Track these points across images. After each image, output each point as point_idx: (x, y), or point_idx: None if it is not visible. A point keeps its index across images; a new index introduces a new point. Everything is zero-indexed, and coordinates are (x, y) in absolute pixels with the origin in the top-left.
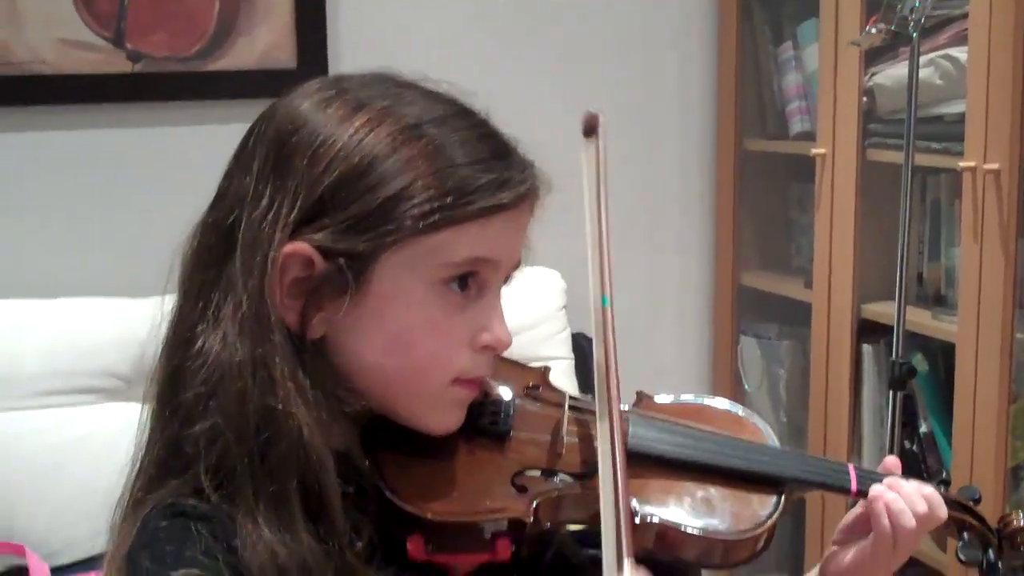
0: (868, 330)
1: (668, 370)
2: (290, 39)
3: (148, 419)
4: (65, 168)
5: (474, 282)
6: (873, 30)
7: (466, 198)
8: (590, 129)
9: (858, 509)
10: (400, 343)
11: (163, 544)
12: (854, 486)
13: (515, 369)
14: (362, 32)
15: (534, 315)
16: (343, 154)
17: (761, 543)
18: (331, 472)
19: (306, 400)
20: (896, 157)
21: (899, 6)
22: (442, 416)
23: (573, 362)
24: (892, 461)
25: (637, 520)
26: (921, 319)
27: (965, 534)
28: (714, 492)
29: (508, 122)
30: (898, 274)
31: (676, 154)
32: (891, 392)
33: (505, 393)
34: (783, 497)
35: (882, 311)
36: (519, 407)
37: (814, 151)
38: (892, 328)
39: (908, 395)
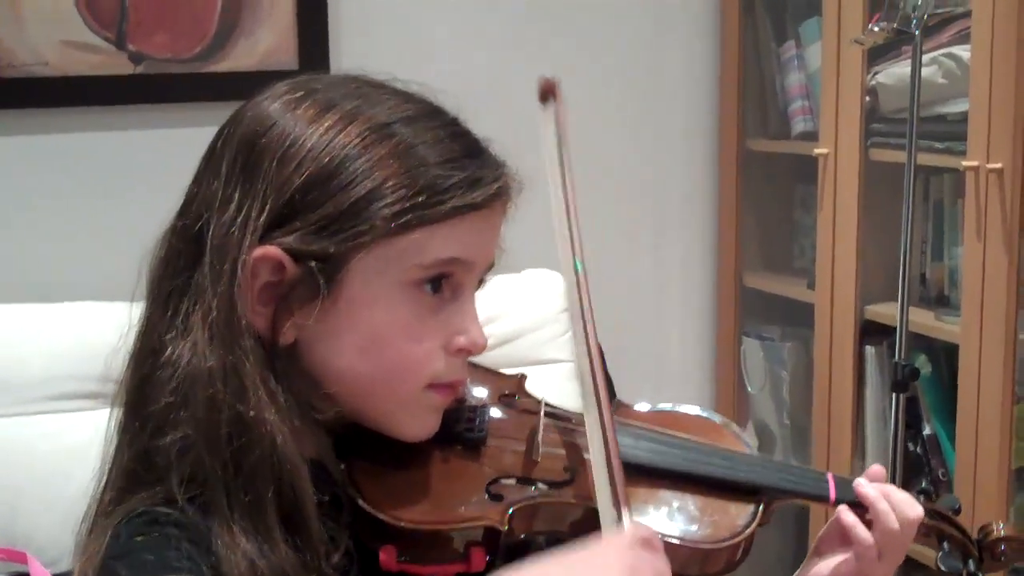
0: (871, 331)
1: (670, 371)
2: (292, 41)
3: (115, 430)
4: (67, 171)
5: (447, 284)
6: (876, 28)
7: (437, 197)
8: (546, 93)
9: (833, 521)
10: (373, 347)
11: (140, 553)
12: (832, 495)
13: (490, 376)
14: (364, 33)
15: (535, 318)
16: (312, 155)
17: (739, 552)
18: (306, 480)
19: (279, 407)
20: (899, 157)
21: (902, 4)
22: (417, 422)
23: (575, 365)
24: (876, 470)
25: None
26: (924, 320)
27: (945, 544)
28: (691, 500)
29: (507, 123)
30: (901, 275)
31: (678, 154)
32: (894, 394)
33: (480, 400)
34: (761, 506)
35: (885, 312)
36: (495, 414)
37: (817, 151)
38: (895, 329)
39: (911, 397)
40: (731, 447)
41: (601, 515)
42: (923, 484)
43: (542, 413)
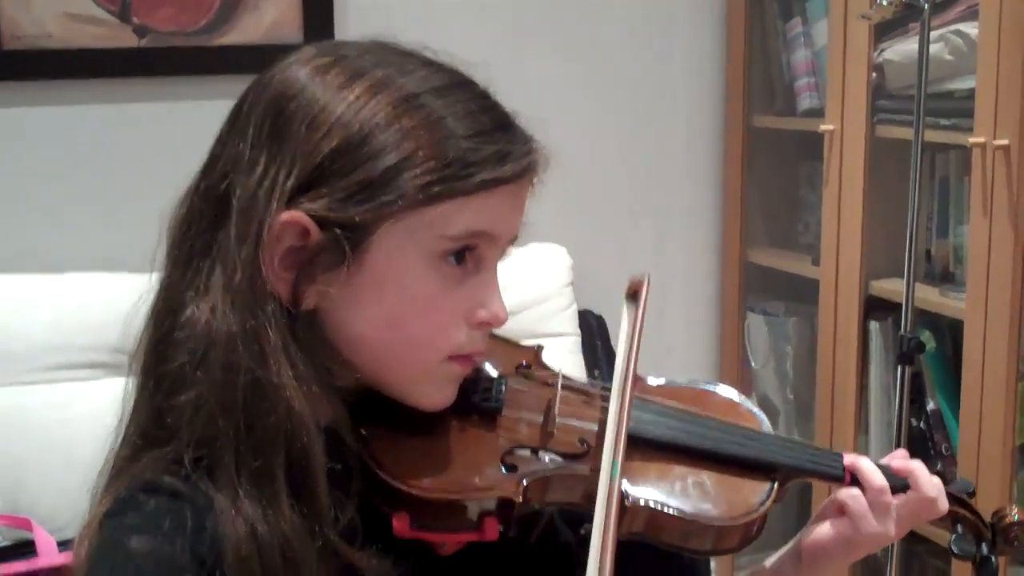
0: (876, 307)
1: (675, 347)
2: (297, 13)
3: (133, 388)
4: (71, 143)
5: (471, 256)
6: (884, 2)
7: (467, 170)
8: (634, 293)
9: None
10: (395, 317)
11: (126, 515)
12: (847, 476)
13: (508, 347)
14: (369, 6)
15: (540, 291)
16: (342, 122)
17: (753, 529)
18: (319, 447)
19: (297, 373)
20: (905, 133)
21: None
22: (434, 392)
23: (579, 339)
24: (900, 454)
25: (628, 503)
26: (929, 296)
27: (959, 527)
28: (706, 477)
29: (516, 95)
30: (907, 250)
31: (684, 130)
32: (899, 367)
33: (497, 371)
34: (776, 484)
35: (890, 288)
36: (511, 385)
37: (823, 127)
38: (899, 305)
39: (915, 372)
40: (747, 424)
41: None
42: (937, 466)
43: (559, 385)
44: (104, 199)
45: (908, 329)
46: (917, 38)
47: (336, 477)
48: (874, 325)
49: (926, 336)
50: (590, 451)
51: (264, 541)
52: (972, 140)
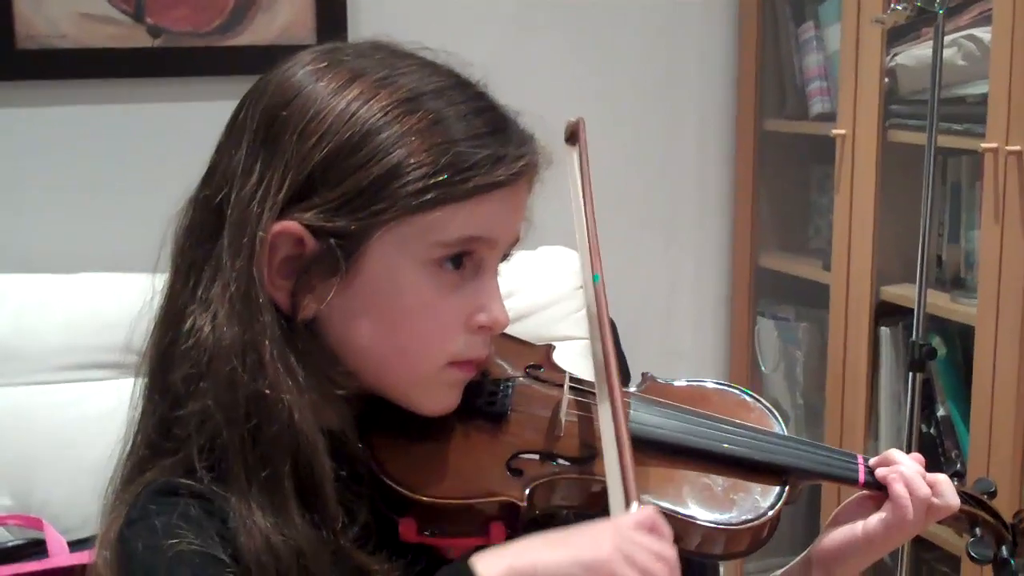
0: (886, 312)
1: (685, 351)
2: (310, 14)
3: (139, 396)
4: (84, 143)
5: (469, 261)
6: (899, 7)
7: (460, 175)
8: (573, 135)
9: (856, 496)
10: (393, 324)
11: (153, 518)
12: (862, 477)
13: (517, 347)
14: (382, 7)
15: (550, 294)
16: (333, 129)
17: (764, 533)
18: (323, 456)
19: (296, 383)
20: (917, 138)
21: None
22: (437, 398)
23: (589, 343)
24: (915, 459)
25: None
26: (940, 302)
27: (977, 529)
28: (716, 480)
29: (526, 99)
30: (919, 256)
31: (695, 134)
32: (910, 373)
33: (504, 372)
34: (787, 487)
35: (901, 293)
36: (518, 387)
37: (834, 132)
38: (910, 311)
39: (926, 378)
40: (761, 424)
41: (611, 499)
42: (958, 466)
43: (567, 387)
44: (118, 199)
45: (919, 335)
46: (930, 43)
47: (346, 482)
48: (885, 330)
49: (936, 342)
50: (597, 456)
51: (279, 552)
52: (984, 145)
